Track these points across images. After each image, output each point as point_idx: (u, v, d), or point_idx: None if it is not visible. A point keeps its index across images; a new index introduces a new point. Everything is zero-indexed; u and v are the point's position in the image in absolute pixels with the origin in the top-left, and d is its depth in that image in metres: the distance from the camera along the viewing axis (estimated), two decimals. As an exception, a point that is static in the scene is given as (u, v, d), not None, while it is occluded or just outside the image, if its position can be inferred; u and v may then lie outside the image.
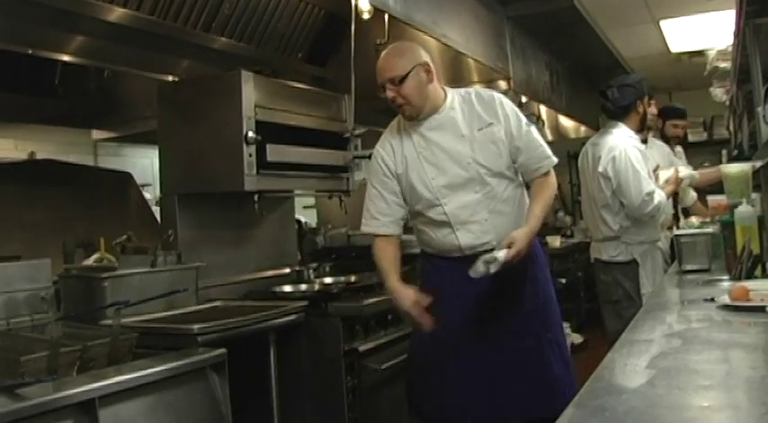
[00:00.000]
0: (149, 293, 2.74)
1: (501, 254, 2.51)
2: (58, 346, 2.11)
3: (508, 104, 2.80)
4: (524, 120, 2.79)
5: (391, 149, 2.84)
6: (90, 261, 3.02)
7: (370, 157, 3.98)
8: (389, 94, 2.71)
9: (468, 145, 2.73)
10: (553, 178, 2.81)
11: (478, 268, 2.49)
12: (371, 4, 3.40)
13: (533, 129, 2.80)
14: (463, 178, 2.73)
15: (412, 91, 2.70)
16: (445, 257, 2.83)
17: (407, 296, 2.62)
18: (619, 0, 5.09)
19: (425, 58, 2.77)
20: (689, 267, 3.12)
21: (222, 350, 2.36)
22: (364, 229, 2.88)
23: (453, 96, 2.82)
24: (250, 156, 3.10)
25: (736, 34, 3.21)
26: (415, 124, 2.79)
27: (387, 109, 5.47)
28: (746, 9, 2.68)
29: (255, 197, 3.27)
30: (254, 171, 3.13)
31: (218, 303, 3.14)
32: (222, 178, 3.19)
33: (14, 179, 3.65)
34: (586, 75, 7.91)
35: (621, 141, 3.89)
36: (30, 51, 3.08)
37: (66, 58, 3.30)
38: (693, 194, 4.92)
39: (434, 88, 2.76)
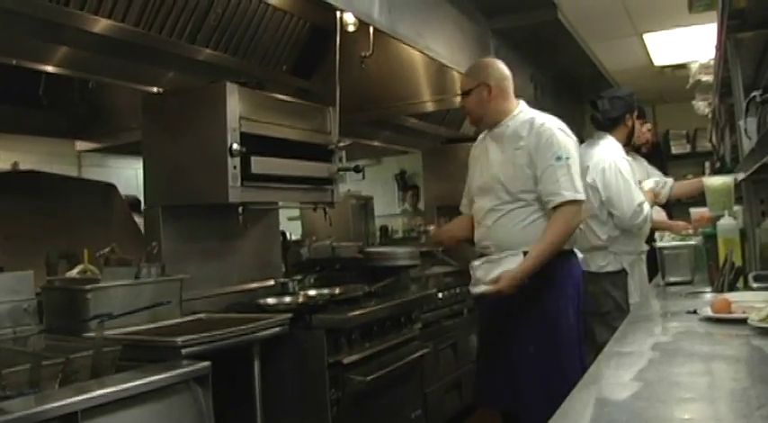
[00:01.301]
0: (133, 306, 2.71)
1: (481, 288, 3.05)
2: (40, 359, 2.09)
3: (543, 133, 3.06)
4: (558, 154, 3.01)
5: (476, 144, 3.42)
6: (73, 273, 3.00)
7: (355, 169, 4.04)
8: (460, 102, 3.38)
9: (500, 161, 3.15)
10: (564, 216, 2.99)
11: (473, 289, 3.11)
12: (356, 17, 3.40)
13: (562, 164, 3.00)
14: (484, 187, 3.23)
15: (473, 105, 3.25)
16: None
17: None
18: (602, 13, 5.13)
19: (493, 78, 3.23)
20: (672, 279, 3.14)
21: (206, 363, 2.35)
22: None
23: (519, 116, 3.19)
24: (234, 168, 3.09)
25: (718, 48, 3.25)
26: (488, 131, 3.30)
27: (371, 121, 5.52)
28: (728, 23, 2.72)
29: (240, 209, 3.27)
30: (239, 183, 3.12)
31: (202, 315, 3.11)
32: (206, 190, 3.17)
33: (-3, 190, 3.64)
34: (570, 87, 7.96)
35: (610, 153, 3.92)
36: (14, 62, 3.06)
37: (50, 68, 3.28)
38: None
39: (496, 105, 3.20)
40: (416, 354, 3.74)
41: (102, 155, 5.06)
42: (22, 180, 3.92)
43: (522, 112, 3.22)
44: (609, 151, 3.94)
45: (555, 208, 3.01)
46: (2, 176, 3.89)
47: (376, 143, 6.17)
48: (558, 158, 3.00)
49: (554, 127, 3.10)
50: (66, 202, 3.86)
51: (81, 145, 4.75)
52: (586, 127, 8.59)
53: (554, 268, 3.04)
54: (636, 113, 4.19)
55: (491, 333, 3.29)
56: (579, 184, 3.04)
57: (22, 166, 4.36)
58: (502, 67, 3.31)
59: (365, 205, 6.40)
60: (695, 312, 2.19)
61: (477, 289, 3.08)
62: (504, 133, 3.18)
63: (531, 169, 3.05)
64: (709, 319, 2.08)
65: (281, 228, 4.99)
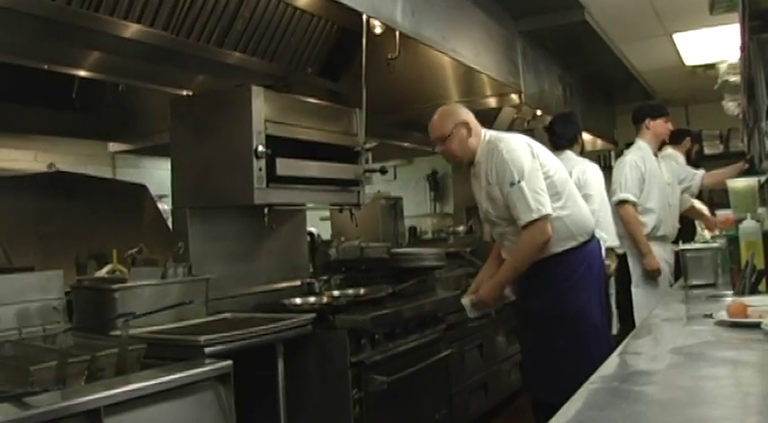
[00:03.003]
0: (159, 305, 2.78)
1: (465, 300, 3.38)
2: (67, 356, 2.16)
3: (500, 162, 3.19)
4: (510, 180, 3.14)
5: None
6: (102, 272, 3.07)
7: (381, 170, 4.07)
8: (438, 149, 3.40)
9: (485, 195, 3.30)
10: (530, 234, 3.14)
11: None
12: (380, 21, 3.43)
13: (515, 189, 3.13)
14: (487, 219, 3.43)
15: (455, 147, 3.32)
16: None
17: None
18: (630, 14, 5.09)
19: (465, 115, 3.35)
20: (695, 282, 3.12)
21: (228, 362, 2.40)
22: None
23: (485, 147, 3.31)
24: (260, 170, 3.15)
25: (742, 49, 3.22)
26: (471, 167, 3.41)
27: (399, 123, 5.55)
28: (749, 24, 2.70)
29: (265, 210, 3.32)
30: (264, 184, 3.17)
31: (227, 315, 3.17)
32: (232, 191, 3.23)
33: (33, 191, 3.73)
34: (602, 88, 7.91)
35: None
36: (46, 67, 3.15)
37: (82, 73, 3.37)
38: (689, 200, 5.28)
39: (472, 142, 3.31)
40: (441, 354, 3.76)
41: (135, 156, 5.15)
42: (57, 181, 4.02)
43: (485, 141, 3.34)
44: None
45: (523, 227, 3.16)
46: (37, 178, 3.99)
47: (406, 144, 6.19)
48: (512, 184, 3.13)
49: (503, 150, 3.20)
50: (99, 202, 3.95)
51: (114, 146, 4.83)
52: (617, 128, 8.56)
53: (571, 263, 3.27)
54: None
55: (523, 332, 3.65)
56: (536, 200, 3.12)
57: (58, 167, 4.48)
58: (465, 108, 3.48)
59: (394, 206, 6.44)
60: (711, 316, 2.19)
61: (471, 314, 3.45)
62: (480, 170, 3.32)
63: (502, 198, 3.21)
64: (723, 323, 2.07)
65: (313, 228, 5.07)
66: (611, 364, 1.72)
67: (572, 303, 3.25)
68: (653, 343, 2.05)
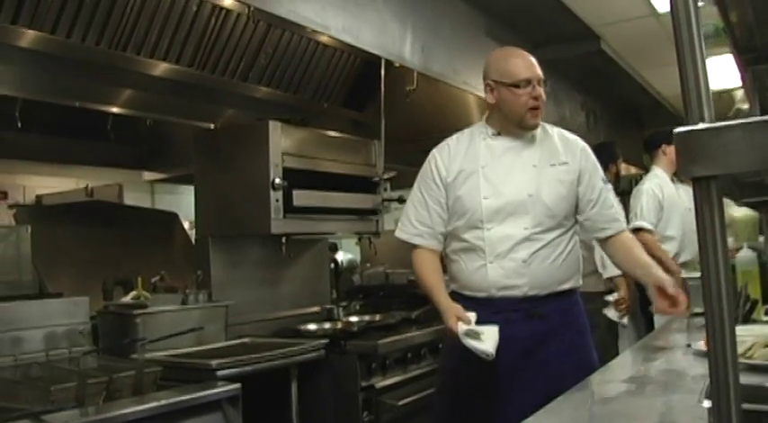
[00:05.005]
0: (179, 329, 2.95)
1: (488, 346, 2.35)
2: (86, 377, 2.32)
3: (591, 154, 2.72)
4: (602, 176, 2.69)
5: (448, 156, 2.70)
6: (127, 298, 3.25)
7: (399, 199, 4.20)
8: (540, 91, 2.59)
9: (536, 177, 2.59)
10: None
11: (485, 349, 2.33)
12: (386, 59, 3.58)
13: (609, 188, 2.70)
14: (517, 209, 2.56)
15: (545, 99, 2.64)
16: (474, 299, 2.59)
17: (458, 310, 2.47)
18: (646, 43, 5.15)
19: None
20: (696, 310, 3.17)
21: (237, 385, 2.54)
22: (398, 233, 2.77)
23: (546, 128, 2.72)
24: (277, 201, 3.31)
25: (742, 79, 3.29)
26: (491, 137, 2.67)
27: (425, 150, 5.66)
28: (743, 57, 2.77)
29: (283, 240, 3.48)
30: (281, 215, 3.33)
31: (246, 340, 3.32)
32: (251, 221, 3.40)
33: (69, 219, 3.94)
34: (630, 114, 7.92)
35: None
36: (77, 104, 3.36)
37: (114, 109, 3.59)
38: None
39: None
40: (454, 379, 3.85)
41: (172, 184, 5.36)
42: (92, 209, 4.23)
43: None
44: None
45: (610, 236, 2.67)
46: (74, 206, 4.20)
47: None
48: (604, 181, 2.70)
49: (585, 144, 2.76)
50: (131, 230, 4.13)
51: (148, 175, 5.04)
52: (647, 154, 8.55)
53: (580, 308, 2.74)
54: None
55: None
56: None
57: (97, 196, 4.70)
58: None
59: (422, 232, 6.55)
60: (689, 346, 2.26)
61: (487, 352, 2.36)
62: (530, 144, 2.66)
63: (577, 190, 2.63)
64: (699, 353, 2.14)
65: (344, 254, 5.19)
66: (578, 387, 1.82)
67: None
68: (618, 370, 2.13)
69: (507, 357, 2.44)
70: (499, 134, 2.68)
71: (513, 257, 2.54)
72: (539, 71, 2.62)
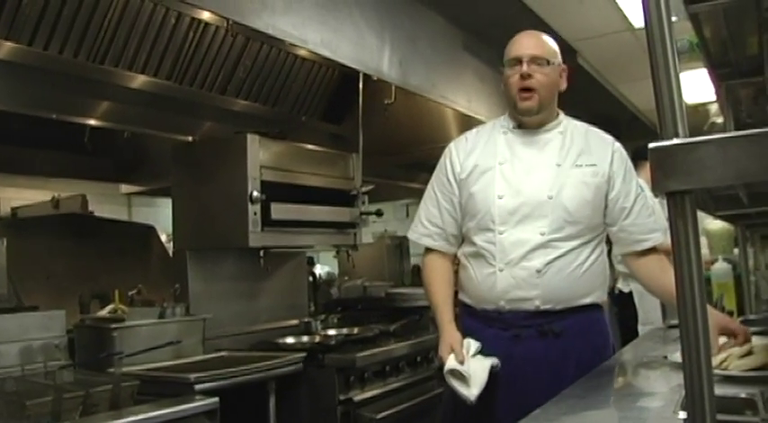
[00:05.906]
0: (156, 343, 2.94)
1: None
2: (62, 392, 2.29)
3: (625, 157, 2.45)
4: (636, 184, 2.42)
5: (464, 150, 2.47)
6: (104, 312, 3.22)
7: (377, 213, 4.20)
8: (527, 68, 2.32)
9: (558, 177, 2.34)
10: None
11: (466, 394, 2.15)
12: (367, 72, 3.60)
13: (645, 196, 2.41)
14: (534, 211, 2.31)
15: (547, 81, 2.36)
16: (483, 313, 2.40)
17: (455, 341, 2.26)
18: (622, 57, 5.19)
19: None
20: (673, 322, 3.21)
21: (215, 399, 2.53)
22: (409, 233, 2.62)
23: (567, 121, 2.49)
24: (255, 214, 3.30)
25: (717, 94, 3.34)
26: (511, 131, 2.45)
27: (408, 164, 5.67)
28: (717, 72, 2.82)
29: (261, 253, 3.47)
30: (259, 228, 3.32)
31: (224, 353, 3.30)
32: (229, 234, 3.39)
33: (44, 232, 3.90)
34: (608, 127, 7.94)
35: None
36: (54, 116, 3.34)
37: (92, 122, 3.56)
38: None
39: (555, 100, 2.46)
40: (432, 393, 3.85)
41: (149, 197, 5.33)
42: (66, 222, 4.18)
43: (561, 113, 2.53)
44: None
45: (646, 250, 2.40)
46: (48, 219, 4.16)
47: (414, 185, 6.32)
48: (640, 188, 2.43)
49: (620, 145, 2.51)
50: (107, 243, 4.10)
51: (125, 188, 5.01)
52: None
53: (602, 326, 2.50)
54: None
55: None
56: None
57: (72, 209, 4.65)
58: None
59: (400, 245, 6.56)
60: (666, 358, 2.28)
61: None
62: (554, 141, 2.43)
63: (605, 195, 2.38)
64: (674, 365, 2.16)
65: (321, 267, 5.17)
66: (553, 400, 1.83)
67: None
68: (597, 381, 2.15)
69: (516, 378, 2.26)
70: (519, 127, 2.44)
71: (525, 266, 2.29)
72: (529, 50, 2.35)
